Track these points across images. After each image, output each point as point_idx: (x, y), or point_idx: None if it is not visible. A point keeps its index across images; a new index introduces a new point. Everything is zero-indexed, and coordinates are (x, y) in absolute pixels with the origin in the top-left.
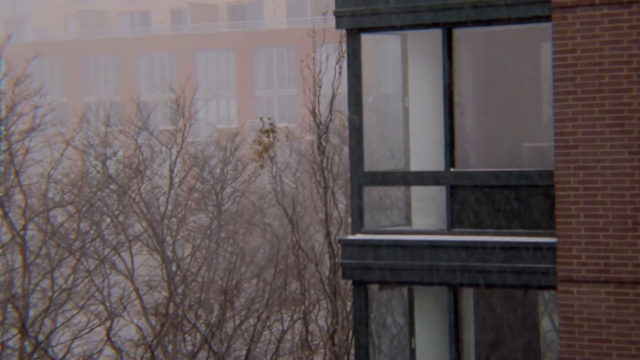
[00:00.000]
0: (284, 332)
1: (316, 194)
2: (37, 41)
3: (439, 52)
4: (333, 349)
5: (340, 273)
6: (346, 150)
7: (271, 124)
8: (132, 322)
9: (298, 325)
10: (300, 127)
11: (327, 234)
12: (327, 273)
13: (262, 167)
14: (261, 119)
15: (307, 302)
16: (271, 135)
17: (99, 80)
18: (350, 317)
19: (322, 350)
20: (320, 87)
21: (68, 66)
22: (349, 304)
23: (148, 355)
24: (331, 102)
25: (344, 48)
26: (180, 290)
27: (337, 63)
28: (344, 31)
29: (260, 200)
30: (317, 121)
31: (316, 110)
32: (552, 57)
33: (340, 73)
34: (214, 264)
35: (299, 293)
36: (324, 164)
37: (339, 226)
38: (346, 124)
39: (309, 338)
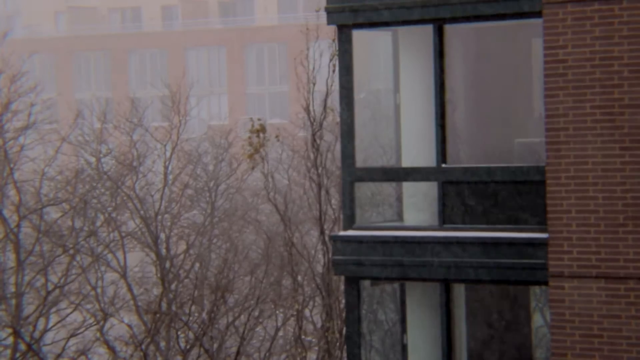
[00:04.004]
0: (277, 330)
1: (309, 190)
2: (28, 38)
3: (430, 48)
4: (326, 347)
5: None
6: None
7: (261, 125)
8: (123, 322)
9: (292, 322)
10: (292, 123)
11: (321, 231)
12: (320, 270)
13: (252, 168)
14: (251, 119)
15: (301, 299)
16: (261, 135)
17: (90, 77)
18: (344, 314)
19: (316, 348)
20: (314, 84)
21: (59, 63)
22: (343, 300)
23: (139, 353)
24: (325, 100)
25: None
26: (173, 287)
27: (330, 60)
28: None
29: (253, 197)
30: (311, 118)
31: (310, 108)
32: (543, 52)
33: (334, 70)
34: (207, 260)
35: (292, 290)
36: (318, 161)
37: (332, 223)
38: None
39: (302, 335)
